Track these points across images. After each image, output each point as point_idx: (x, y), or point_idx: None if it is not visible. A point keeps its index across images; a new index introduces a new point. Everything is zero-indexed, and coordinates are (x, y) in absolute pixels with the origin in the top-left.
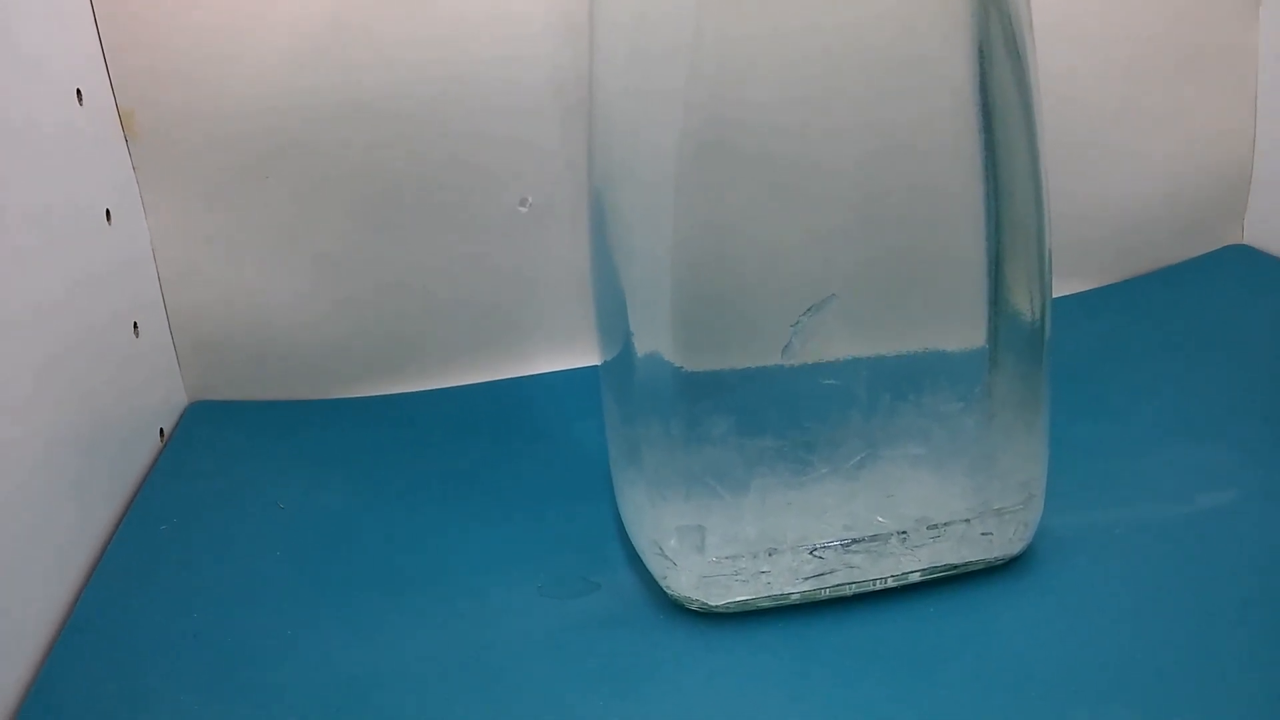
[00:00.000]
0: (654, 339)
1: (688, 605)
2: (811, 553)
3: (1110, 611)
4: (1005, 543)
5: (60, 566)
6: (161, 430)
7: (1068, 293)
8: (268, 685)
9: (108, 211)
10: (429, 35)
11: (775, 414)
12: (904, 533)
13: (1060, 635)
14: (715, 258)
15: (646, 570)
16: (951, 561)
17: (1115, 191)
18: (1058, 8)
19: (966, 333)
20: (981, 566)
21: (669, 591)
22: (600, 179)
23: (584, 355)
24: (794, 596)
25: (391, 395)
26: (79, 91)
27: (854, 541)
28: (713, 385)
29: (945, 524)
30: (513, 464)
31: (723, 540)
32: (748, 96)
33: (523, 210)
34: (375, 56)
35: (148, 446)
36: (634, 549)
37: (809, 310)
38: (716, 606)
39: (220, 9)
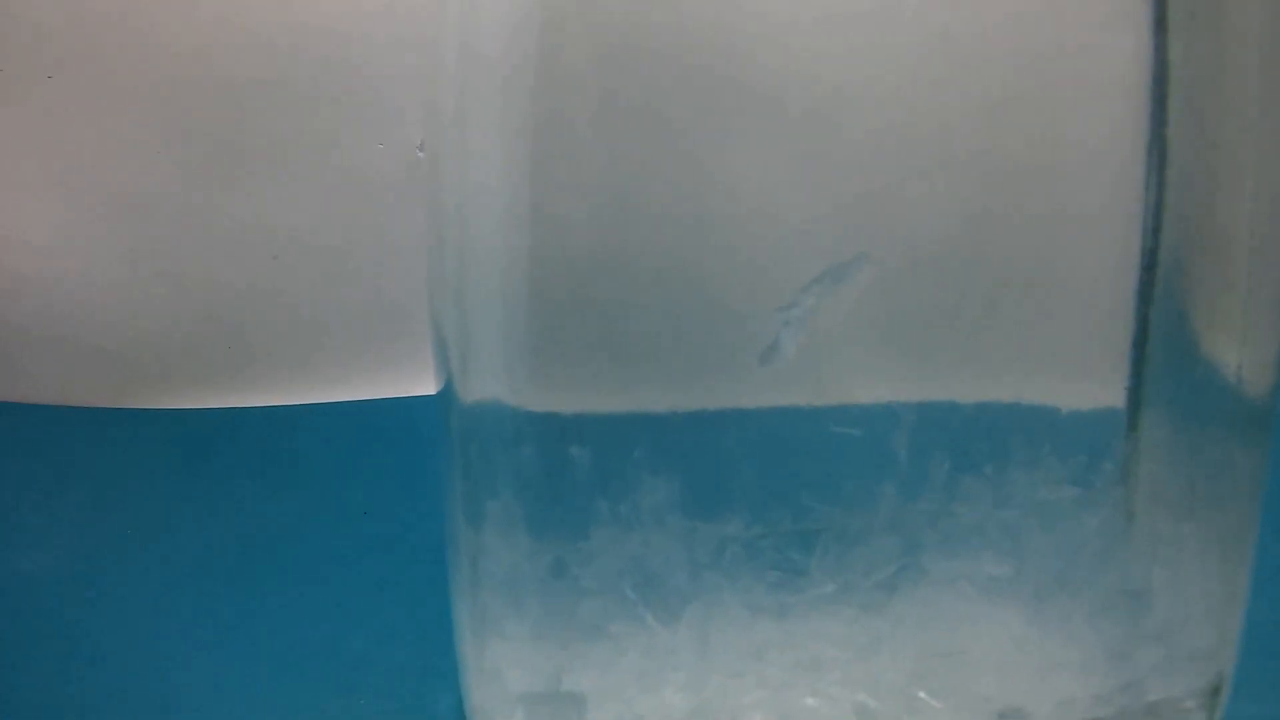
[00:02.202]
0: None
1: None
2: None
3: None
4: None
5: None
6: None
7: None
8: None
9: None
10: None
11: (741, 481)
12: None
13: None
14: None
15: None
16: None
17: None
18: None
19: (1092, 382)
20: None
21: None
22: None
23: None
24: None
25: (208, 410)
26: None
27: None
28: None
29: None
30: (327, 527)
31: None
32: None
33: (424, 155)
34: None
35: None
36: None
37: (817, 280)
38: None
39: None
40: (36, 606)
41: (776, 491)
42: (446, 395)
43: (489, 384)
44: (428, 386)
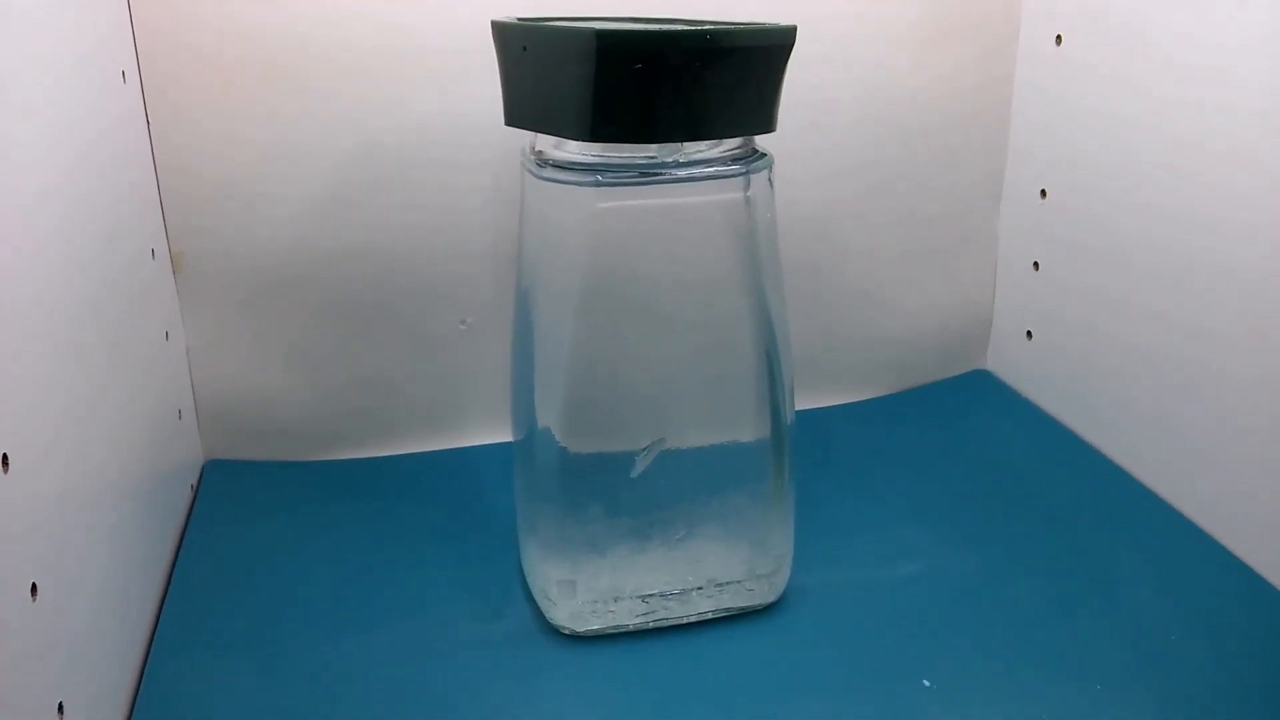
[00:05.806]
0: (550, 419)
1: (562, 631)
2: (644, 600)
3: (835, 644)
4: (763, 594)
5: (129, 614)
6: (192, 485)
7: (859, 399)
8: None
9: (167, 333)
10: (404, 203)
11: (631, 500)
12: (701, 588)
13: (799, 657)
14: (599, 370)
15: (538, 606)
16: (729, 606)
17: (894, 325)
18: (853, 201)
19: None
20: (749, 610)
21: (551, 621)
22: (523, 307)
23: (505, 434)
24: (630, 626)
25: (360, 459)
26: (153, 250)
27: (671, 594)
28: (592, 467)
29: (726, 583)
30: (451, 522)
31: (586, 590)
32: (626, 272)
33: (463, 328)
34: (364, 217)
35: (184, 499)
36: (530, 590)
37: (645, 449)
38: (581, 632)
39: (251, 181)
40: (304, 594)
41: (642, 507)
42: (528, 439)
43: (547, 423)
44: (468, 441)
